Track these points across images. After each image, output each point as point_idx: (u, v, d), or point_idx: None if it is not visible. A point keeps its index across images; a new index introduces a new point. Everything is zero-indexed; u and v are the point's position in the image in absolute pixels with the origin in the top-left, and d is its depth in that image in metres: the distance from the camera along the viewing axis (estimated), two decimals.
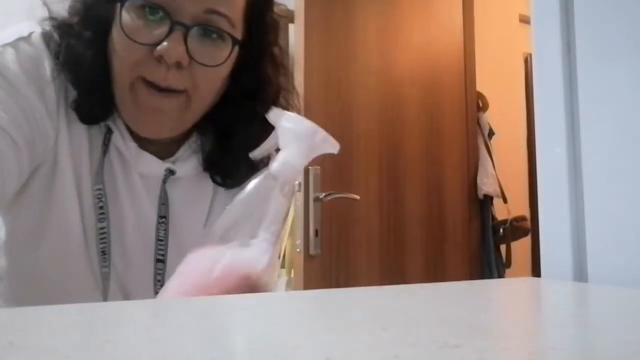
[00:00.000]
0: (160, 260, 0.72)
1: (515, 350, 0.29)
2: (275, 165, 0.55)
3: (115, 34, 0.63)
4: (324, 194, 1.60)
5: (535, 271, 2.59)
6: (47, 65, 0.64)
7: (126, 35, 0.61)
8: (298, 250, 1.61)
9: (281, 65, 0.77)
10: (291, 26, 2.20)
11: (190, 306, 0.43)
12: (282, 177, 0.55)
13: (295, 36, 1.72)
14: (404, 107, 1.88)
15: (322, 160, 1.62)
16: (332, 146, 0.58)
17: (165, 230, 0.72)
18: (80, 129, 0.68)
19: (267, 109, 0.71)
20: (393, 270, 1.82)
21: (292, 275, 1.71)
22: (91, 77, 0.65)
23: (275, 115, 0.57)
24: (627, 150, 0.59)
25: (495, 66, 2.55)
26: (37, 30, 0.66)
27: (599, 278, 0.60)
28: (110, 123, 0.68)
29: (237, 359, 0.26)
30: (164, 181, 0.72)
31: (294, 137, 0.56)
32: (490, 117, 2.27)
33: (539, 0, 0.70)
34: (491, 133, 2.26)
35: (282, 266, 2.10)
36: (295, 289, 1.67)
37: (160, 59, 0.61)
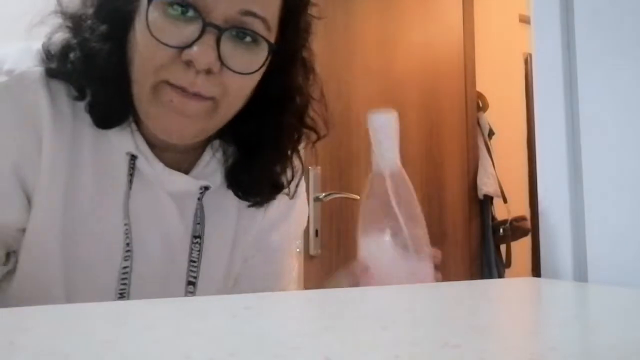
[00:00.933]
0: (191, 283, 0.68)
1: (515, 350, 0.29)
2: (381, 162, 0.58)
3: (139, 32, 0.57)
4: (324, 194, 1.60)
5: (535, 271, 2.59)
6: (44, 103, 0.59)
7: (152, 34, 0.55)
8: (298, 250, 1.61)
9: (312, 71, 0.71)
10: None
11: (190, 306, 0.43)
12: (389, 172, 0.58)
13: None
14: (404, 107, 1.89)
15: (323, 160, 1.62)
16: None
17: (199, 251, 0.68)
18: (100, 162, 0.63)
19: (295, 121, 0.68)
20: None
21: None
22: (107, 72, 0.59)
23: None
24: (627, 150, 0.59)
25: (495, 66, 2.55)
26: (28, 64, 0.60)
27: (599, 278, 0.60)
28: (132, 149, 0.63)
29: (237, 359, 0.26)
30: (199, 198, 0.67)
31: (387, 133, 0.59)
32: (490, 117, 2.27)
33: (539, 0, 0.70)
34: (491, 133, 2.26)
35: None
36: (296, 289, 1.67)
37: (189, 64, 0.55)
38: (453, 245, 2.01)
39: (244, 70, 0.58)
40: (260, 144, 0.68)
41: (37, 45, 0.61)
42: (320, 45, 1.72)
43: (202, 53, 0.54)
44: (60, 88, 0.61)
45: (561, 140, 0.66)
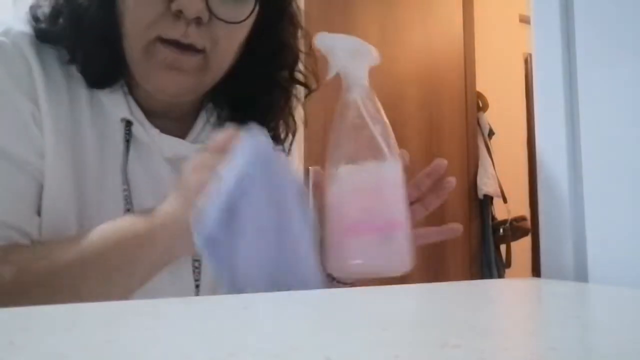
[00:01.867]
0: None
1: (515, 350, 0.29)
2: (352, 88, 0.56)
3: None
4: None
5: (535, 271, 2.59)
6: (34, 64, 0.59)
7: None
8: None
9: (299, 25, 0.72)
10: None
11: (190, 306, 0.44)
12: (360, 96, 0.57)
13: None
14: (404, 107, 1.89)
15: (323, 160, 1.62)
16: (376, 57, 0.57)
17: None
18: (97, 128, 0.62)
19: (286, 76, 0.68)
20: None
21: None
22: (97, 31, 0.59)
23: (323, 39, 0.55)
24: (628, 150, 0.59)
25: (495, 66, 2.55)
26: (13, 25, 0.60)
27: (599, 278, 0.60)
28: (127, 115, 0.63)
29: (237, 359, 0.26)
30: None
31: (353, 56, 0.56)
32: (490, 117, 2.27)
33: (539, 0, 0.70)
34: (491, 133, 2.26)
35: None
36: None
37: (178, 15, 0.55)
38: (453, 245, 2.01)
39: (232, 19, 0.58)
40: (253, 102, 0.69)
41: (26, 11, 0.61)
42: None
43: (191, 1, 0.55)
44: (50, 52, 0.61)
45: (561, 140, 0.66)
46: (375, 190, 0.56)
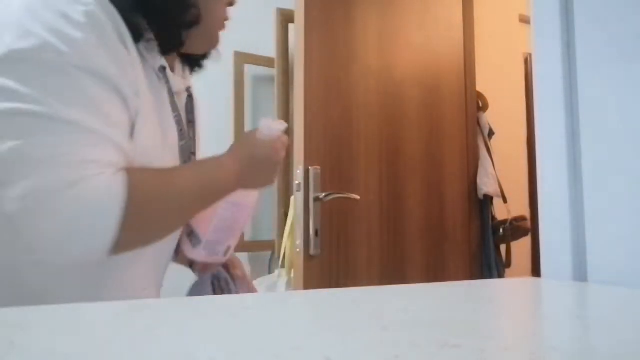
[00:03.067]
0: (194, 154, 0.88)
1: (515, 350, 0.29)
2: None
3: None
4: (324, 194, 1.60)
5: (535, 271, 2.59)
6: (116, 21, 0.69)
7: None
8: (298, 250, 1.61)
9: None
10: (291, 26, 2.19)
11: (190, 306, 0.44)
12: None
13: (295, 36, 1.71)
14: (404, 107, 1.88)
15: (323, 160, 1.62)
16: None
17: (193, 129, 0.89)
18: (147, 73, 0.75)
19: None
20: (393, 270, 1.82)
21: (292, 275, 1.71)
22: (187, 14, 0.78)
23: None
24: (627, 150, 0.59)
25: (495, 66, 2.55)
26: None
27: (599, 278, 0.61)
28: (164, 63, 0.78)
29: (237, 358, 0.26)
30: (189, 94, 0.89)
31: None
32: (490, 117, 2.27)
33: (539, 0, 0.70)
34: (491, 133, 2.25)
35: (282, 266, 2.10)
36: (295, 289, 1.67)
37: (231, 3, 0.86)
38: (453, 245, 2.01)
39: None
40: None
41: None
42: (321, 46, 1.72)
43: None
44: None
45: (561, 140, 0.66)
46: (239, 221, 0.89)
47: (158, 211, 0.70)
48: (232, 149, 0.82)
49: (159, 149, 0.74)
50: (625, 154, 0.59)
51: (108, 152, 0.64)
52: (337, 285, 1.69)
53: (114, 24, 0.67)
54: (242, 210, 0.87)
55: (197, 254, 0.87)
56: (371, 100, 1.81)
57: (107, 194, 0.61)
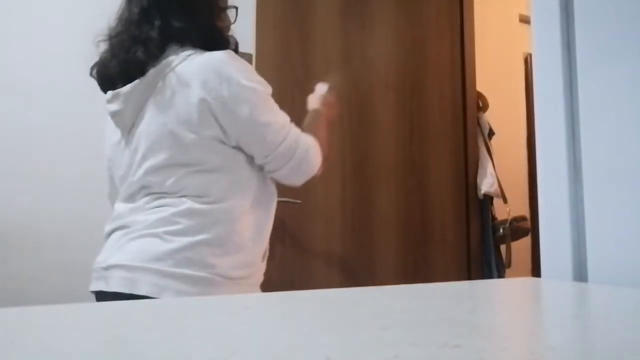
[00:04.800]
0: None
1: (515, 350, 0.29)
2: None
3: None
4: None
5: (535, 271, 2.59)
6: None
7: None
8: None
9: None
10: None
11: (190, 306, 0.44)
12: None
13: (250, 26, 1.72)
14: (375, 114, 1.89)
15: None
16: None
17: None
18: None
19: None
20: (360, 270, 1.84)
21: None
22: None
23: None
24: (627, 150, 0.59)
25: (495, 66, 2.55)
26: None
27: (599, 278, 0.61)
28: None
29: (237, 358, 0.26)
30: None
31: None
32: (490, 117, 2.27)
33: (539, 0, 0.70)
34: (491, 133, 2.26)
35: None
36: None
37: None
38: (453, 246, 2.01)
39: None
40: None
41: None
42: (276, 38, 1.72)
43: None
44: None
45: (561, 140, 0.66)
46: None
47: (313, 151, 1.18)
48: (310, 101, 1.37)
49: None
50: (625, 153, 0.59)
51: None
52: (292, 283, 1.74)
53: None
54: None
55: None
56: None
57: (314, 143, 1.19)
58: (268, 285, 1.67)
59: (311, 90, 1.75)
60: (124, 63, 1.05)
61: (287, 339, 0.30)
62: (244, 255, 1.07)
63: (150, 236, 1.00)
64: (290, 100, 1.68)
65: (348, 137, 1.83)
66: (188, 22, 1.08)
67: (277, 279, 1.70)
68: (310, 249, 1.79)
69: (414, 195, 1.94)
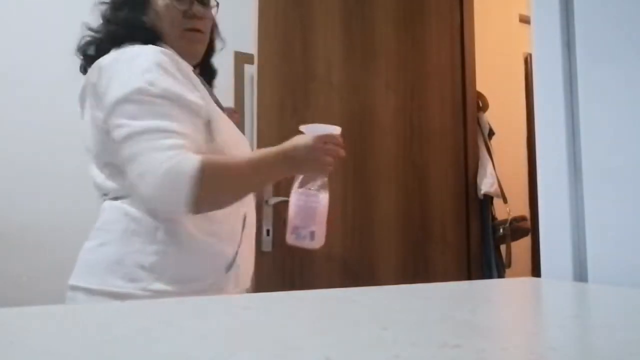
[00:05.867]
0: None
1: (515, 350, 0.29)
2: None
3: None
4: (274, 199, 1.66)
5: (535, 271, 2.59)
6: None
7: None
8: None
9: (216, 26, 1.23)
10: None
11: (190, 306, 0.43)
12: None
13: (251, 26, 1.72)
14: (376, 115, 1.89)
15: None
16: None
17: None
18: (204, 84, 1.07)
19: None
20: (360, 269, 1.84)
21: None
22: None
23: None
24: (627, 150, 0.59)
25: (495, 66, 2.55)
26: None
27: (599, 278, 0.60)
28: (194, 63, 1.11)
29: (237, 358, 0.26)
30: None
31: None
32: (490, 117, 2.26)
33: (539, 0, 0.70)
34: (491, 133, 2.25)
35: None
36: None
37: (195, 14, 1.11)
38: (453, 246, 2.01)
39: (210, 17, 1.13)
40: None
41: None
42: (277, 44, 1.72)
43: (198, 9, 1.10)
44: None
45: (561, 140, 0.66)
46: (312, 208, 1.08)
47: (225, 178, 0.94)
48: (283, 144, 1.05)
49: (237, 141, 1.05)
50: (625, 153, 0.59)
51: (182, 142, 0.89)
52: (292, 282, 1.74)
53: (170, 59, 0.97)
54: (312, 197, 1.07)
55: (289, 238, 1.08)
56: (335, 111, 1.82)
57: (186, 165, 0.88)
58: (269, 285, 1.67)
59: (312, 90, 1.75)
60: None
61: (287, 339, 0.30)
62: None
63: None
64: (292, 100, 1.68)
65: (348, 138, 1.82)
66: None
67: (277, 279, 1.70)
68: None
69: (414, 195, 1.94)
